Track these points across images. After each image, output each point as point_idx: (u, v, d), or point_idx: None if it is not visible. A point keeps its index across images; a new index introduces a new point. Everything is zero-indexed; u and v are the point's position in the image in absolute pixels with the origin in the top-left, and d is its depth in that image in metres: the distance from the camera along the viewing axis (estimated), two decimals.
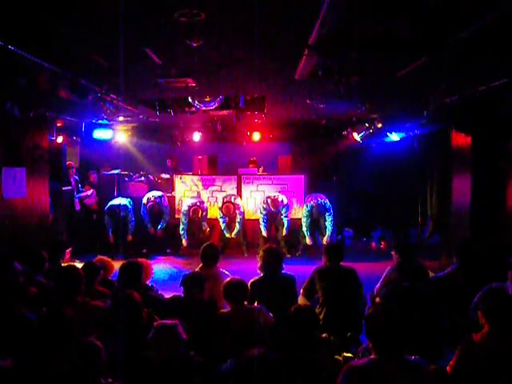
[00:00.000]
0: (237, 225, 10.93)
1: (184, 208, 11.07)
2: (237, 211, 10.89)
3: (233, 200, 11.02)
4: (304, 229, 10.79)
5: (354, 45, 4.72)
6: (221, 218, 11.02)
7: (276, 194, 11.05)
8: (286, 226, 10.82)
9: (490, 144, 7.68)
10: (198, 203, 11.05)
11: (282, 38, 4.71)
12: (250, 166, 12.52)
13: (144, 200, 11.12)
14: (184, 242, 11.02)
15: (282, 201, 10.81)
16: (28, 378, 3.10)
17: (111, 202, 11.01)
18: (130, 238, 11.04)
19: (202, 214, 10.95)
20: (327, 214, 10.69)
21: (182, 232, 10.97)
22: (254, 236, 11.33)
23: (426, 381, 3.03)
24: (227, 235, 11.00)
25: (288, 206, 10.93)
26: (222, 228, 11.04)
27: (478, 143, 7.79)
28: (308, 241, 10.79)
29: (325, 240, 10.67)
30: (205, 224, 11.10)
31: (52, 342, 3.24)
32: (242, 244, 11.21)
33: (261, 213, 10.90)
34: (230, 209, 10.84)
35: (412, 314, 4.46)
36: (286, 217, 10.82)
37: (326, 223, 10.71)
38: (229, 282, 4.64)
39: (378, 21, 4.11)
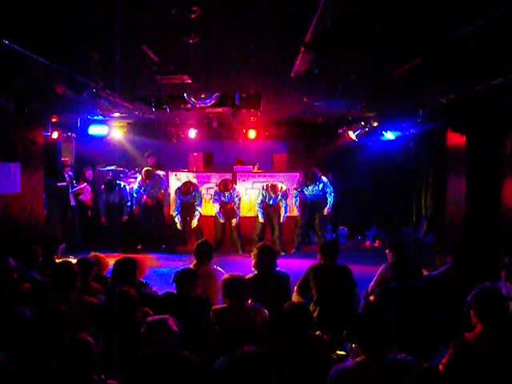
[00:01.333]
0: (236, 210, 11.04)
1: (176, 186, 11.32)
2: (235, 191, 11.02)
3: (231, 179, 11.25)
4: (293, 200, 11.08)
5: (350, 43, 4.73)
6: (215, 200, 11.05)
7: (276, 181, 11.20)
8: (283, 214, 10.96)
9: (485, 143, 7.69)
10: (191, 182, 11.21)
11: (278, 36, 4.70)
12: (238, 165, 12.63)
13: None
14: (178, 224, 11.10)
15: (281, 188, 10.92)
16: (21, 373, 3.10)
17: None
18: (125, 218, 11.30)
19: (193, 189, 11.03)
20: (321, 184, 10.97)
21: (175, 213, 11.08)
22: (248, 234, 11.32)
23: (415, 379, 3.05)
24: (221, 221, 11.02)
25: (287, 194, 11.03)
26: (217, 211, 11.06)
27: (473, 143, 7.80)
28: (296, 212, 11.12)
29: (325, 211, 11.01)
30: (198, 209, 11.08)
31: (45, 337, 3.24)
32: (236, 241, 11.22)
33: (258, 198, 11.03)
34: (228, 183, 10.96)
35: (405, 313, 4.48)
36: (285, 206, 10.94)
37: (328, 194, 10.99)
38: (229, 279, 4.59)
39: (374, 19, 4.11)
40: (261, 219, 10.99)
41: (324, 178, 11.05)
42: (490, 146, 7.64)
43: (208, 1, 3.79)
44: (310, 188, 11.02)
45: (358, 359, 3.11)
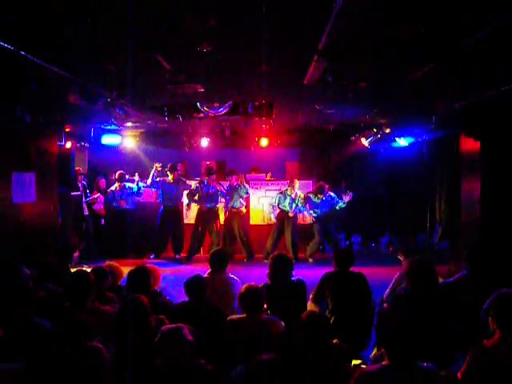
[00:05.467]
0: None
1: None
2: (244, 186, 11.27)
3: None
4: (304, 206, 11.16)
5: (363, 51, 4.73)
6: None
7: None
8: (294, 208, 11.07)
9: (499, 148, 7.63)
10: None
11: (291, 44, 4.72)
12: (252, 173, 12.63)
13: None
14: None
15: (300, 195, 11.09)
16: (34, 382, 3.11)
17: None
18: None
19: None
20: (329, 197, 11.05)
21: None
22: (262, 242, 11.30)
23: None
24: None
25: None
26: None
27: (488, 148, 7.74)
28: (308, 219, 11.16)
29: (339, 206, 11.03)
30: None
31: (63, 346, 3.25)
32: (244, 250, 11.18)
33: (274, 200, 11.15)
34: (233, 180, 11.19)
35: (421, 320, 4.43)
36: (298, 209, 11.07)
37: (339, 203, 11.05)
38: (246, 291, 4.50)
39: (388, 27, 4.11)
40: (273, 219, 11.10)
41: (332, 194, 11.04)
42: (505, 150, 7.57)
43: (221, 10, 3.81)
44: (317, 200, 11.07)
45: (383, 362, 3.08)
